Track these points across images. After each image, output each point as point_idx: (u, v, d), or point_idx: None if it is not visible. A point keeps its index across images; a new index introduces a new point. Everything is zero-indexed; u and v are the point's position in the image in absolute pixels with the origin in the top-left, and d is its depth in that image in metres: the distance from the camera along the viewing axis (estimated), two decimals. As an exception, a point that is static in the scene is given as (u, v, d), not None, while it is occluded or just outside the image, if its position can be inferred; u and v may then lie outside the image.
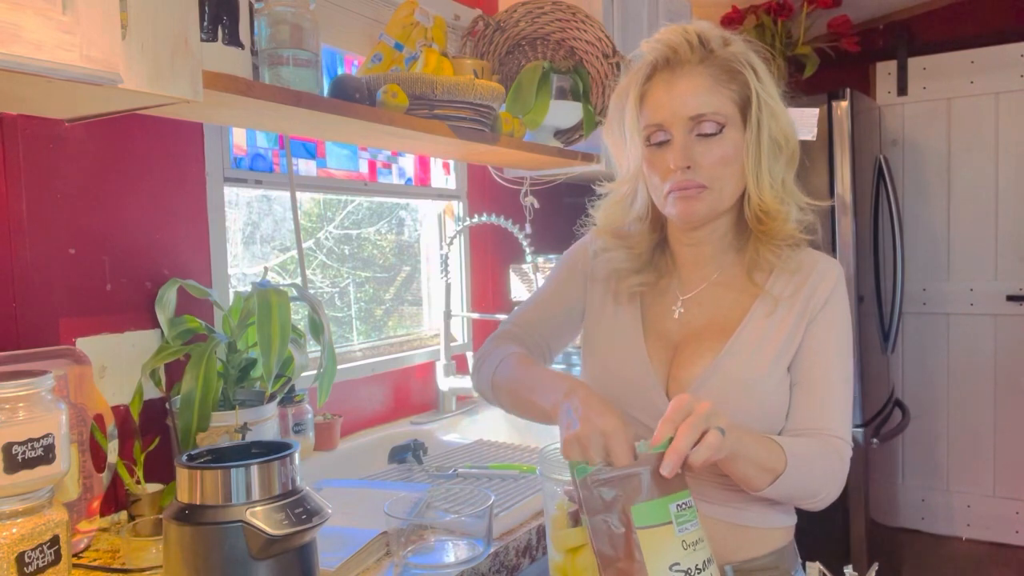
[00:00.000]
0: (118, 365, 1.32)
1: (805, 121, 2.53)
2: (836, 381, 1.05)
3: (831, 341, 1.06)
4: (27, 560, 0.90)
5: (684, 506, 0.79)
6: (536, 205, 2.29)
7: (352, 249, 2.02)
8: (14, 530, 0.90)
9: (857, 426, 2.59)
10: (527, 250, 1.98)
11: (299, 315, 1.54)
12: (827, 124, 2.63)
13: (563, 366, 2.15)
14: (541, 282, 2.25)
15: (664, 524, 0.78)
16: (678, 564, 0.77)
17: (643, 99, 1.05)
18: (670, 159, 1.02)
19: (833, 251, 2.60)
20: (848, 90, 2.63)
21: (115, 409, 1.27)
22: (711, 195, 1.03)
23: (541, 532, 1.25)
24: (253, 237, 1.76)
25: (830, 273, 1.08)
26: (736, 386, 1.03)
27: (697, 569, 0.78)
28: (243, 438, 1.24)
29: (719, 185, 1.03)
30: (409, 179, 2.11)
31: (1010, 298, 3.25)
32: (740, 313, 1.07)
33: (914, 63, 3.35)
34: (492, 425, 2.09)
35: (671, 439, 0.81)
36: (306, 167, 1.79)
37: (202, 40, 1.08)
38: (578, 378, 1.05)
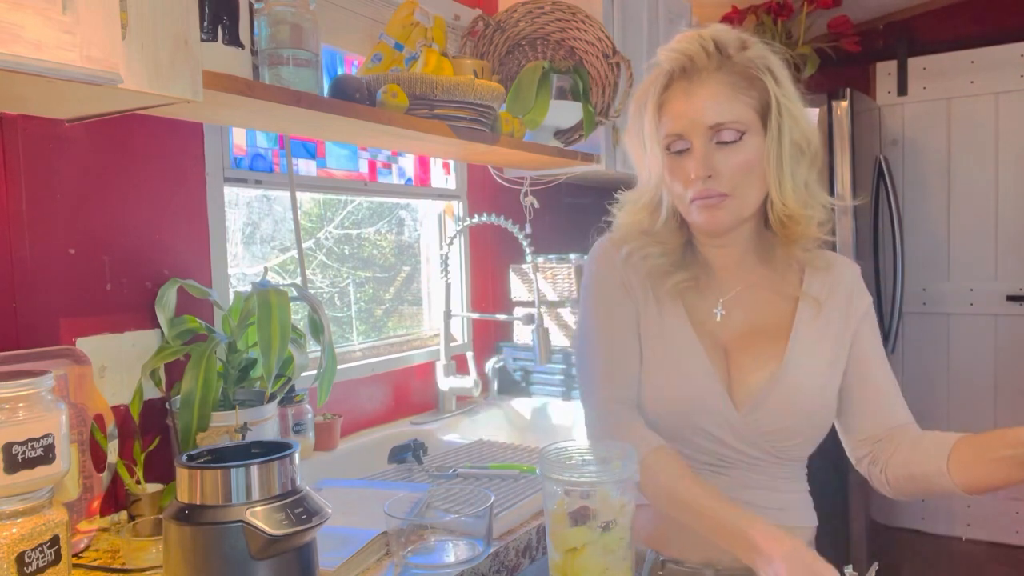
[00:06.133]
0: (118, 365, 1.32)
1: (805, 121, 2.53)
2: (892, 377, 1.11)
3: (878, 342, 1.12)
4: (27, 560, 0.90)
5: None
6: (536, 205, 2.29)
7: (352, 249, 2.02)
8: (14, 530, 0.90)
9: (857, 426, 2.59)
10: (527, 250, 1.98)
11: (299, 315, 1.54)
12: (827, 124, 2.63)
13: (563, 366, 2.15)
14: (541, 282, 2.26)
15: None
16: None
17: (662, 108, 1.04)
18: (691, 168, 1.01)
19: (833, 251, 2.60)
20: (848, 90, 2.63)
21: (115, 409, 1.27)
22: (734, 203, 1.03)
23: (541, 532, 1.25)
24: (253, 237, 1.76)
25: (858, 275, 1.13)
26: (801, 394, 1.05)
27: None
28: (243, 438, 1.24)
29: (741, 192, 1.02)
30: (409, 179, 2.10)
31: (1010, 298, 3.25)
32: (785, 316, 1.09)
33: (914, 63, 3.35)
34: (492, 425, 2.09)
35: None
36: (306, 167, 1.79)
37: (202, 40, 1.08)
38: (760, 522, 0.93)
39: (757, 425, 1.04)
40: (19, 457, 0.90)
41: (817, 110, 2.61)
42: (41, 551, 0.92)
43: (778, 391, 1.04)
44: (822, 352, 1.07)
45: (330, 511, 0.94)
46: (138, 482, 1.28)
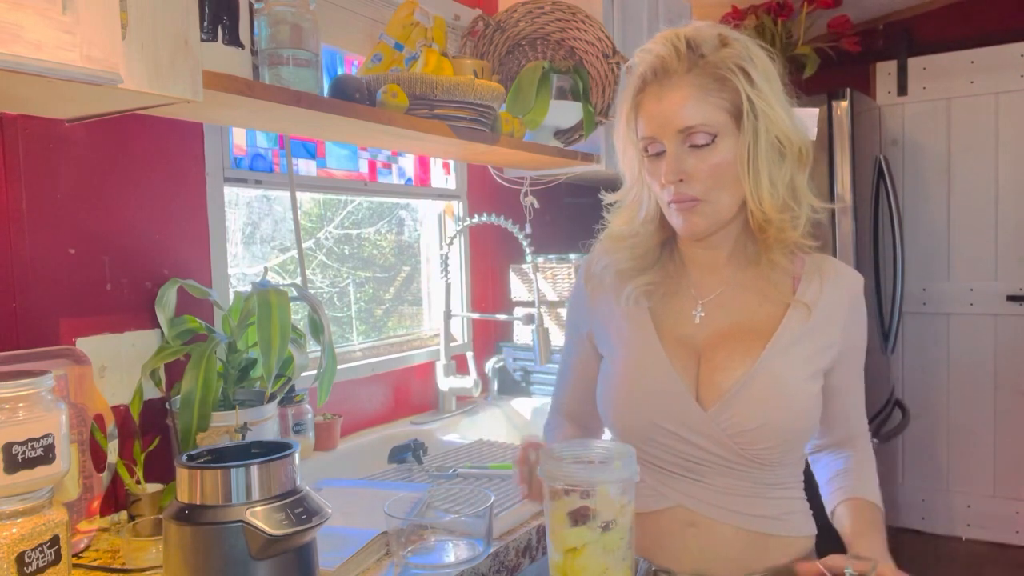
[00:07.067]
0: (118, 365, 1.32)
1: (805, 121, 2.54)
2: (862, 391, 1.15)
3: (862, 358, 1.13)
4: (27, 560, 0.90)
5: None
6: (536, 205, 2.29)
7: (352, 249, 2.02)
8: (14, 530, 0.90)
9: (857, 426, 2.59)
10: (527, 250, 1.98)
11: (299, 315, 1.54)
12: (827, 124, 2.63)
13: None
14: (541, 283, 2.26)
15: None
16: None
17: (637, 110, 1.03)
18: (663, 172, 1.01)
19: (833, 251, 2.60)
20: (848, 90, 2.63)
21: (115, 409, 1.27)
22: (707, 207, 1.01)
23: (541, 532, 1.25)
24: (253, 237, 1.76)
25: (862, 289, 1.11)
26: (777, 390, 1.01)
27: None
28: (243, 438, 1.24)
29: (714, 197, 1.01)
30: (409, 179, 2.11)
31: (1010, 298, 3.25)
32: (771, 319, 1.06)
33: (914, 63, 3.35)
34: (492, 425, 2.09)
35: None
36: (306, 167, 1.79)
37: (202, 40, 1.08)
38: None
39: (725, 425, 1.01)
40: (19, 457, 0.90)
41: (817, 110, 2.61)
42: (41, 551, 0.92)
43: (748, 391, 1.01)
44: (803, 356, 1.04)
45: (330, 511, 0.94)
46: (138, 482, 1.28)
